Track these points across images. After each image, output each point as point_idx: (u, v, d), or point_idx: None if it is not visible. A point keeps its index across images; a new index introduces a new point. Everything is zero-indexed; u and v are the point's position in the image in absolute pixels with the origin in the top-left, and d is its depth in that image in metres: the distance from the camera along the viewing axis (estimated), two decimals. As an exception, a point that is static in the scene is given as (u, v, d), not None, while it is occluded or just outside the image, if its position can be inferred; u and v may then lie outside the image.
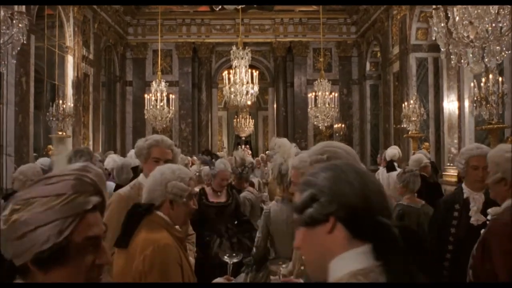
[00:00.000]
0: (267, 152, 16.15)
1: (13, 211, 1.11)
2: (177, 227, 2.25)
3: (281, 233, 3.09)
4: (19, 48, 5.85)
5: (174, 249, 2.10)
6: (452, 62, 3.93)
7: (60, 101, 10.45)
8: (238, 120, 22.86)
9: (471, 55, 3.75)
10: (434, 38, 4.21)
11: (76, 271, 1.14)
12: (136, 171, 3.37)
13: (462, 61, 3.88)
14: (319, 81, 13.64)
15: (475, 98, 6.54)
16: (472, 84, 6.81)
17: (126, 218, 2.18)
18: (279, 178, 3.09)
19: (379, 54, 16.16)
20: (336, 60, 17.81)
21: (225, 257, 2.58)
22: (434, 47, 12.23)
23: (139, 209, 2.16)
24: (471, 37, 3.64)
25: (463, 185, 3.40)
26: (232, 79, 11.98)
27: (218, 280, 2.35)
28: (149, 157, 2.92)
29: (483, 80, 6.41)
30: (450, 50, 3.83)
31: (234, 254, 2.62)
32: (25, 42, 5.82)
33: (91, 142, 13.73)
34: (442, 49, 3.99)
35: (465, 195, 3.37)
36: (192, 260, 2.79)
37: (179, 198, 2.19)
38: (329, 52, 17.72)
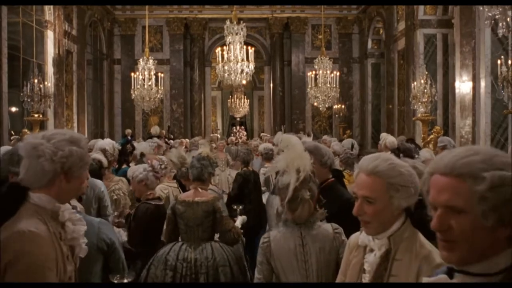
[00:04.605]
0: (261, 134, 15.33)
1: None
2: None
3: (290, 269, 2.26)
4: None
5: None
6: (499, 31, 3.16)
7: (36, 80, 9.46)
8: (232, 100, 22.06)
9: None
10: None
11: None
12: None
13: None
14: (319, 58, 12.77)
15: (503, 77, 5.72)
16: (499, 62, 5.99)
17: None
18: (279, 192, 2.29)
19: (381, 31, 15.30)
20: (335, 38, 16.95)
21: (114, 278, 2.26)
22: (444, 22, 11.36)
23: None
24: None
25: None
26: (226, 56, 11.11)
27: None
28: None
29: (513, 56, 5.60)
30: (497, 17, 3.04)
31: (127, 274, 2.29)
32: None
33: (75, 125, 12.87)
34: (489, 14, 3.18)
35: None
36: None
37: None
38: (329, 29, 16.84)
